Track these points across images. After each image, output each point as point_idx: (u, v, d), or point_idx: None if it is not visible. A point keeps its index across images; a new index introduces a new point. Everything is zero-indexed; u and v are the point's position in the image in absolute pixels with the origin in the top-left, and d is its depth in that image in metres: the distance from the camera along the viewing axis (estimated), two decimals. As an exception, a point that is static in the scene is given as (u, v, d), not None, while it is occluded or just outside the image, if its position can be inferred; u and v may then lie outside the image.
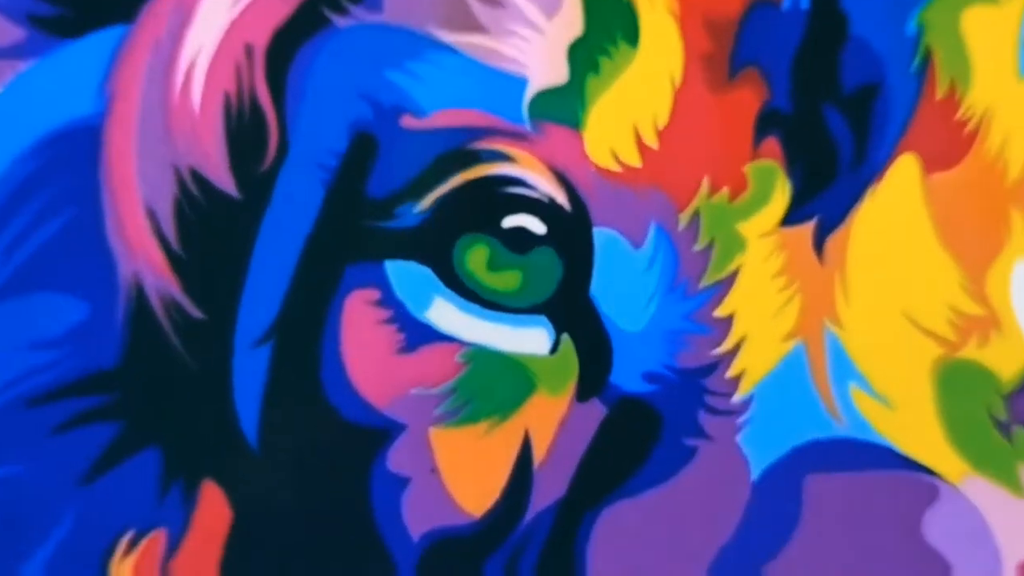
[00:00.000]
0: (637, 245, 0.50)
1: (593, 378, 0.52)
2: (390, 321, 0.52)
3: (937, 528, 0.50)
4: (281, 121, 0.52)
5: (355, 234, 0.53)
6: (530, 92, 0.51)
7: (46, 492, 0.53)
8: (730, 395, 0.50)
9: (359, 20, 0.51)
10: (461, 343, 0.52)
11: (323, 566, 0.52)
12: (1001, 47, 0.50)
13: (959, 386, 0.51)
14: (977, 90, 0.50)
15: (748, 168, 0.50)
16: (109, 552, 0.53)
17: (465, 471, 0.51)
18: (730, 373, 0.50)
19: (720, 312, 0.50)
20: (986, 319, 0.51)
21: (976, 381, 0.51)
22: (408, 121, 0.51)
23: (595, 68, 0.51)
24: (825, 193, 0.50)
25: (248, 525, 0.53)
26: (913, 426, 0.51)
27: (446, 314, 0.52)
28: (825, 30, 0.50)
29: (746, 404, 0.50)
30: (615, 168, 0.50)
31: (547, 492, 0.52)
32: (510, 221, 0.51)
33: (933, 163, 0.50)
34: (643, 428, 0.52)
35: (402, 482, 0.51)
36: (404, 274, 0.53)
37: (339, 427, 0.52)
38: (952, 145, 0.50)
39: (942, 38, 0.50)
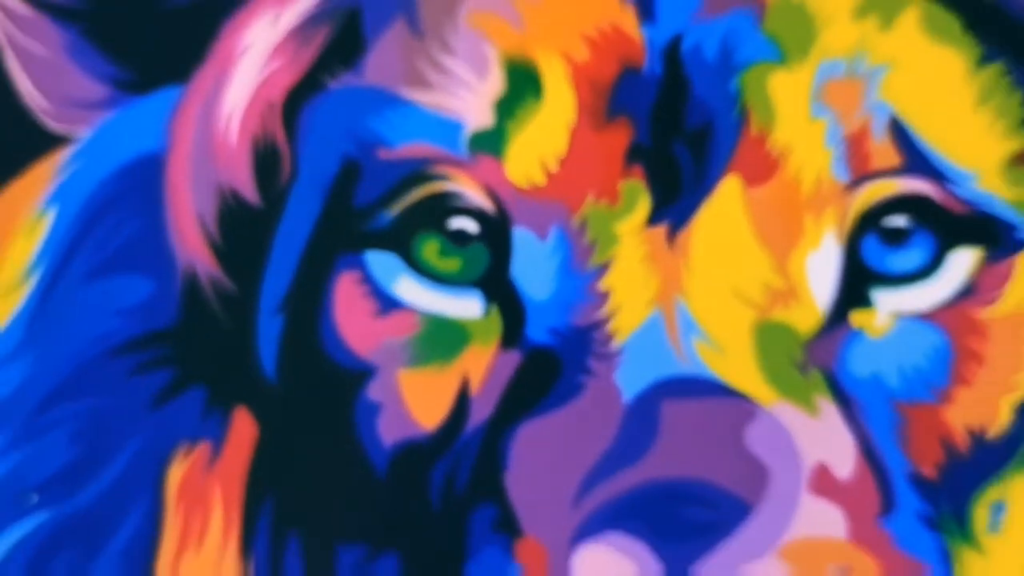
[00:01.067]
0: (543, 239, 0.59)
1: (512, 333, 0.61)
2: (368, 294, 0.61)
3: (754, 439, 0.58)
4: (293, 153, 0.62)
5: (344, 232, 0.62)
6: (467, 133, 0.60)
7: (125, 416, 0.62)
8: (609, 345, 0.59)
9: (347, 84, 0.62)
10: (419, 309, 0.61)
11: (321, 466, 0.61)
12: (797, 99, 0.60)
13: (770, 338, 0.59)
14: (780, 130, 0.59)
15: (620, 186, 0.59)
16: (170, 458, 0.62)
17: (422, 398, 0.60)
18: (609, 329, 0.59)
19: (602, 287, 0.59)
20: (788, 291, 0.59)
21: (782, 335, 0.59)
22: (383, 153, 0.61)
23: (513, 116, 0.60)
24: (674, 204, 0.59)
25: (268, 438, 0.62)
26: (738, 366, 0.59)
27: (409, 289, 0.61)
28: (673, 89, 0.60)
29: (620, 351, 0.59)
30: (527, 186, 0.60)
31: (480, 413, 0.61)
32: (453, 223, 0.61)
33: (750, 181, 0.60)
34: (548, 368, 0.60)
35: (377, 407, 0.61)
36: (378, 260, 0.62)
37: (333, 368, 0.62)
38: (763, 169, 0.60)
39: (755, 93, 0.60)
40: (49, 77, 0.63)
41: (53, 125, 0.63)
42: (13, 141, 0.63)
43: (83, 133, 0.63)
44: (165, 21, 0.63)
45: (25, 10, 0.63)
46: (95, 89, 0.63)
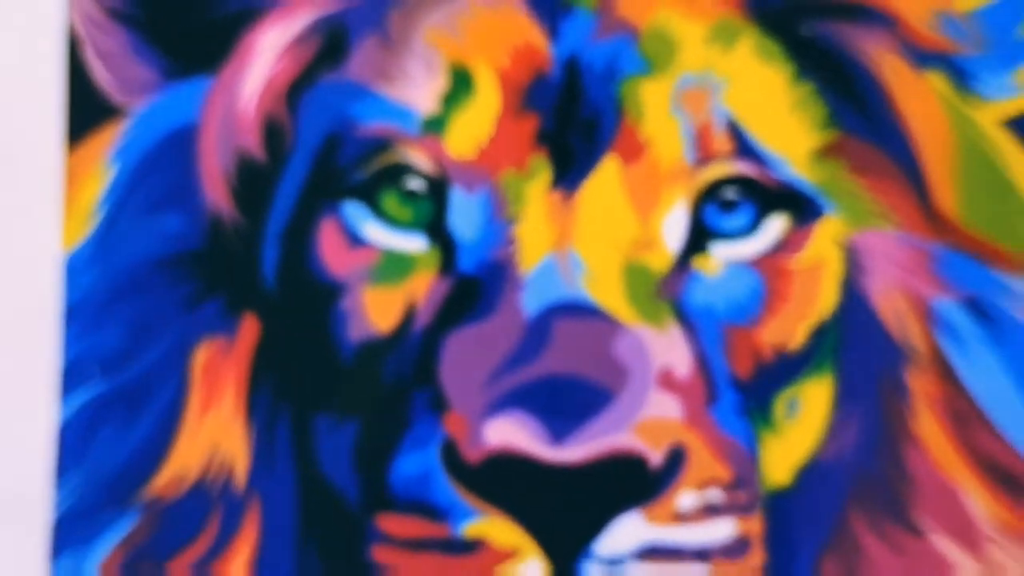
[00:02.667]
0: (472, 197, 0.68)
1: (448, 264, 0.69)
2: (344, 233, 0.69)
3: (619, 347, 0.67)
4: (292, 128, 0.70)
5: (327, 186, 0.69)
6: (420, 117, 0.69)
7: (163, 315, 0.70)
8: (517, 276, 0.67)
9: (334, 79, 0.69)
10: (379, 245, 0.69)
11: (305, 356, 0.69)
12: (661, 102, 0.68)
13: (634, 275, 0.68)
14: (647, 124, 0.68)
15: (530, 160, 0.68)
16: (195, 347, 0.69)
17: (380, 309, 0.68)
18: (517, 265, 0.67)
19: (514, 233, 0.68)
20: (648, 242, 0.68)
21: (642, 273, 0.68)
22: (358, 130, 0.68)
23: (453, 106, 0.69)
24: (569, 175, 0.68)
25: (268, 335, 0.70)
26: (611, 295, 0.67)
27: (373, 231, 0.69)
28: (571, 92, 0.68)
29: (525, 281, 0.67)
30: (462, 158, 0.68)
31: (423, 321, 0.69)
32: (408, 183, 0.69)
33: (625, 161, 0.68)
34: (472, 292, 0.68)
35: (348, 314, 0.69)
36: (352, 208, 0.69)
37: (316, 283, 0.69)
38: (635, 152, 0.68)
39: (630, 97, 0.68)
40: (115, 65, 0.70)
41: (117, 100, 0.70)
42: (88, 111, 0.70)
43: (139, 108, 0.70)
44: (201, 28, 0.70)
45: (100, 16, 0.70)
46: (148, 75, 0.70)
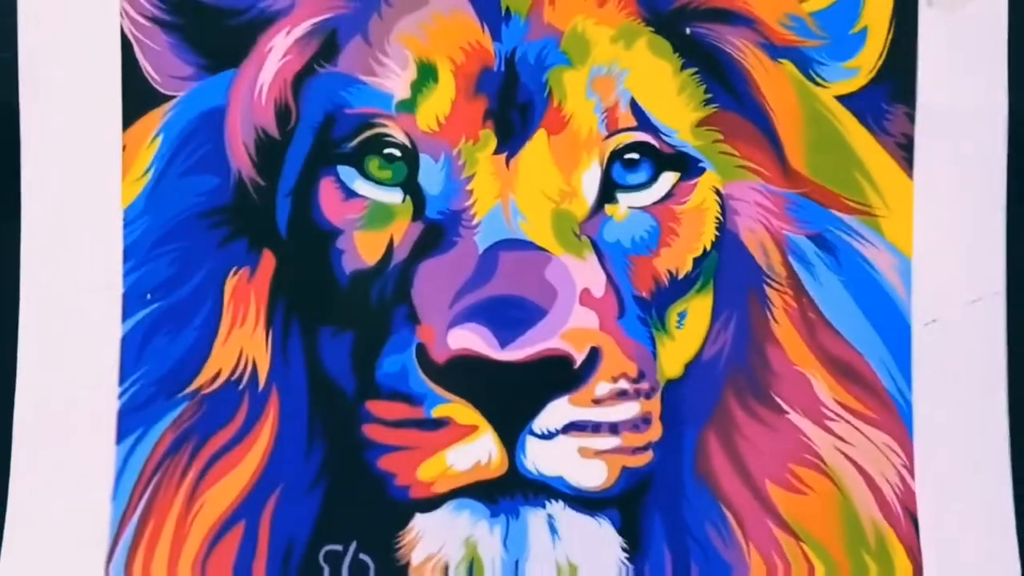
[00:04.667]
0: (437, 161, 0.79)
1: (419, 212, 0.79)
2: (339, 190, 0.79)
3: (550, 273, 0.77)
4: (297, 109, 0.79)
5: (325, 154, 0.79)
6: (395, 100, 0.79)
7: (201, 252, 0.79)
8: (472, 221, 0.78)
9: (329, 71, 0.79)
10: (367, 198, 0.79)
11: (310, 283, 0.78)
12: (579, 87, 0.78)
13: (560, 219, 0.78)
14: (569, 104, 0.78)
15: (480, 133, 0.78)
16: (226, 276, 0.78)
17: (368, 247, 0.78)
18: (472, 212, 0.78)
19: (468, 188, 0.78)
20: (571, 193, 0.78)
21: (567, 217, 0.78)
22: (348, 110, 0.79)
23: (421, 92, 0.78)
24: (509, 144, 0.78)
25: (282, 267, 0.79)
26: (542, 234, 0.78)
27: (362, 187, 0.79)
28: (511, 80, 0.78)
29: (478, 225, 0.78)
30: (429, 131, 0.78)
31: (400, 255, 0.78)
32: (387, 151, 0.79)
33: (552, 133, 0.78)
34: (438, 233, 0.78)
35: (343, 251, 0.78)
36: (345, 171, 0.79)
37: (318, 228, 0.79)
38: (560, 126, 0.79)
39: (555, 83, 0.79)
40: (159, 61, 0.80)
41: (162, 89, 0.80)
42: (139, 98, 0.80)
43: (180, 94, 0.80)
44: (225, 32, 0.79)
45: (147, 24, 0.80)
46: (186, 69, 0.80)
